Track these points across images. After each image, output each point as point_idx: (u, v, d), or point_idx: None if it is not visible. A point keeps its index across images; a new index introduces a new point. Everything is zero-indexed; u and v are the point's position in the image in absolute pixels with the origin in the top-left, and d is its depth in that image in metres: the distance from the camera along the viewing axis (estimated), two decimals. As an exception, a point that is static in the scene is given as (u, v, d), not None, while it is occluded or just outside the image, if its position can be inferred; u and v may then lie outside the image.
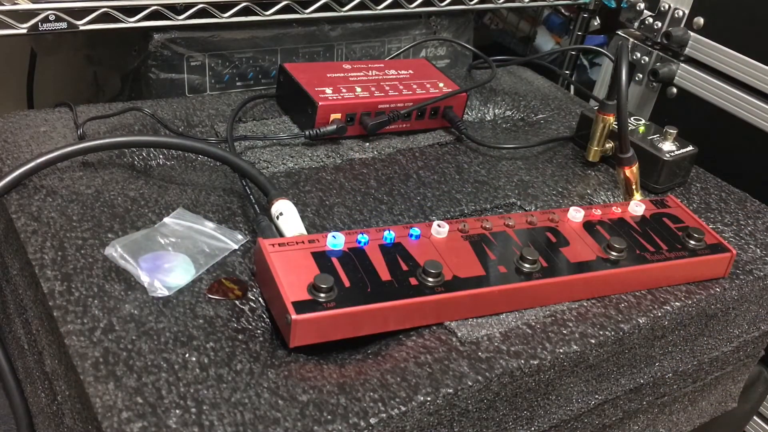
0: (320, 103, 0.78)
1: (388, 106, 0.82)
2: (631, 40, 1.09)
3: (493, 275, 0.59)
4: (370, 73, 0.87)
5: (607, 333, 0.60)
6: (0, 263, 0.67)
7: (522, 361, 0.55)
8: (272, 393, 0.49)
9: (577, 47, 1.27)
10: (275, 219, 0.64)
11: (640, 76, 1.09)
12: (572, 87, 1.23)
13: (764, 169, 0.95)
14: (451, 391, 0.52)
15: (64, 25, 0.78)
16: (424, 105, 0.84)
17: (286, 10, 0.91)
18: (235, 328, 0.54)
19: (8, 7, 0.74)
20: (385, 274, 0.56)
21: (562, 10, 1.40)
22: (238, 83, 0.96)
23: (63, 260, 0.57)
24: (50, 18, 0.77)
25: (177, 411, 0.47)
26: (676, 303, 0.64)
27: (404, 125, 0.85)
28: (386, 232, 0.59)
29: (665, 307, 0.63)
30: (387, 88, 0.84)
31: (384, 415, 0.49)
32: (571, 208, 0.67)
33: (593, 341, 0.59)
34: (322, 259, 0.56)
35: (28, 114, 0.76)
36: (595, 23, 1.25)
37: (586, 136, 0.83)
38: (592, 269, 0.62)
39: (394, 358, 0.54)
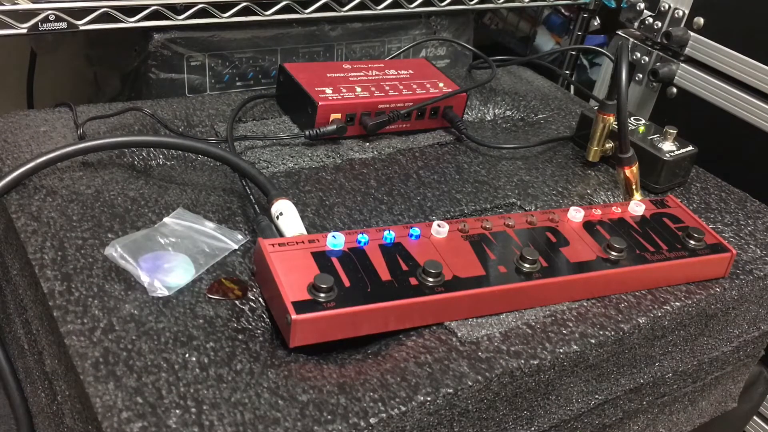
0: (320, 103, 0.78)
1: (388, 106, 0.82)
2: (631, 40, 1.09)
3: (493, 275, 0.59)
4: (370, 73, 0.87)
5: (607, 333, 0.60)
6: (0, 263, 0.67)
7: (522, 361, 0.55)
8: (272, 393, 0.49)
9: (577, 47, 1.27)
10: (275, 219, 0.64)
11: (640, 76, 1.09)
12: (572, 87, 1.23)
13: (764, 169, 0.95)
14: (451, 391, 0.52)
15: (64, 25, 0.78)
16: (424, 105, 0.84)
17: (286, 10, 0.91)
18: (235, 328, 0.54)
19: (8, 7, 0.74)
20: (385, 274, 0.56)
21: (562, 10, 1.40)
22: (238, 83, 0.96)
23: (63, 260, 0.57)
24: (50, 18, 0.77)
25: (177, 411, 0.47)
26: (676, 303, 0.64)
27: (404, 125, 0.85)
28: (386, 232, 0.59)
29: (665, 307, 0.63)
30: (387, 88, 0.84)
31: (384, 415, 0.49)
32: (571, 208, 0.67)
33: (593, 341, 0.59)
34: (322, 259, 0.56)
35: (28, 114, 0.76)
36: (595, 23, 1.25)
37: (586, 136, 0.83)
38: (592, 269, 0.62)
39: (394, 358, 0.54)
